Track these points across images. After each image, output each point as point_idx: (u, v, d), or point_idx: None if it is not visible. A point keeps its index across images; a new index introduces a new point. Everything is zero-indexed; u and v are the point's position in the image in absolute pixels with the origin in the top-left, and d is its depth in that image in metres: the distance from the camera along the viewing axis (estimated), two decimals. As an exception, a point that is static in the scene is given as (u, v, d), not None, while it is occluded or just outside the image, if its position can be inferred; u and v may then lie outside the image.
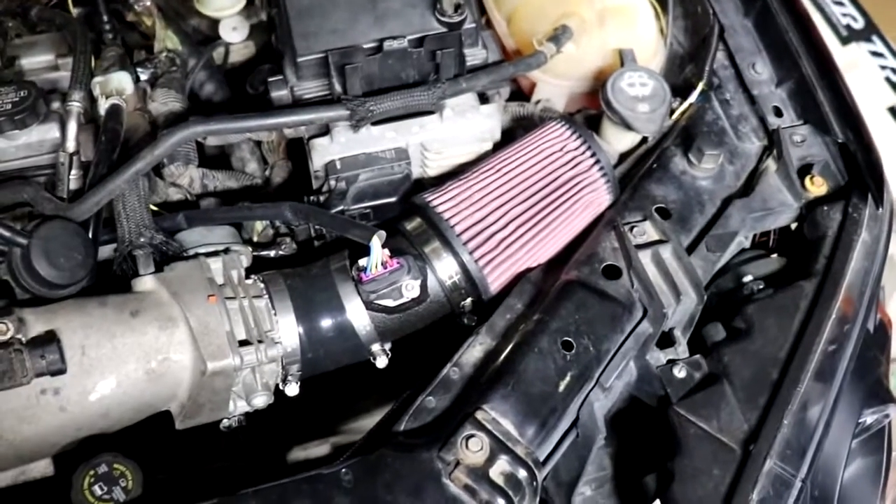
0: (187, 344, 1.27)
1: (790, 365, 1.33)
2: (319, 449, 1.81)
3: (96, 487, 1.19)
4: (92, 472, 1.20)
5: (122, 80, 1.48)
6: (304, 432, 1.77)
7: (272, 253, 1.50)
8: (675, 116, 1.54)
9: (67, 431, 1.24)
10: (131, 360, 1.25)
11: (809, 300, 1.39)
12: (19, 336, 1.19)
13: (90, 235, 1.35)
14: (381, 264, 1.32)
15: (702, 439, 1.30)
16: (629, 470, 1.43)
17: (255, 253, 1.47)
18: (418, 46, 1.47)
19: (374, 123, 1.49)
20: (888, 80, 3.35)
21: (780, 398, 1.31)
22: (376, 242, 1.30)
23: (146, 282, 1.32)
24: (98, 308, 1.28)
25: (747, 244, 1.50)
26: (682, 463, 1.29)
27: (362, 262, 1.32)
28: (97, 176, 1.37)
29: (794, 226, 1.55)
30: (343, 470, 1.19)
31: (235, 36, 1.71)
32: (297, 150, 1.61)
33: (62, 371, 1.19)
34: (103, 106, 1.45)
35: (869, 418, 1.44)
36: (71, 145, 1.40)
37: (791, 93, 1.59)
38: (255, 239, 1.53)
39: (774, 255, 1.51)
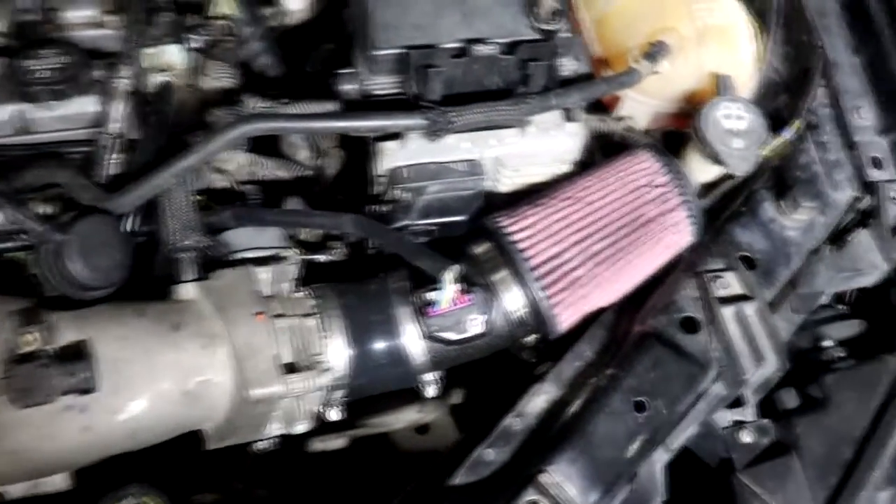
0: (229, 366, 1.15)
1: (867, 445, 1.26)
2: (337, 442, 1.73)
3: (123, 522, 1.09)
4: (118, 506, 1.10)
5: (174, 54, 1.31)
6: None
7: (322, 258, 1.37)
8: (765, 153, 1.42)
9: (90, 451, 1.13)
10: (167, 379, 1.13)
11: (893, 377, 1.31)
12: (47, 348, 1.06)
13: (128, 230, 1.22)
14: (452, 300, 1.21)
15: (765, 515, 1.24)
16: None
17: (302, 256, 1.35)
18: (509, 53, 1.32)
19: (449, 131, 1.35)
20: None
21: (853, 481, 1.24)
22: (450, 278, 1.19)
23: (189, 290, 1.19)
24: (135, 318, 1.15)
25: (826, 300, 1.41)
26: (745, 540, 1.23)
27: (431, 295, 1.21)
28: (141, 163, 1.22)
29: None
30: (393, 530, 1.10)
31: (297, 3, 1.54)
32: (352, 141, 1.46)
33: (92, 390, 1.07)
34: (152, 82, 1.29)
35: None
36: (115, 127, 1.25)
37: (896, 145, 1.49)
38: (302, 237, 1.40)
39: (855, 319, 1.42)
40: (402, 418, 1.74)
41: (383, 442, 1.77)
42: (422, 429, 1.86)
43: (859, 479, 1.23)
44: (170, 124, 1.28)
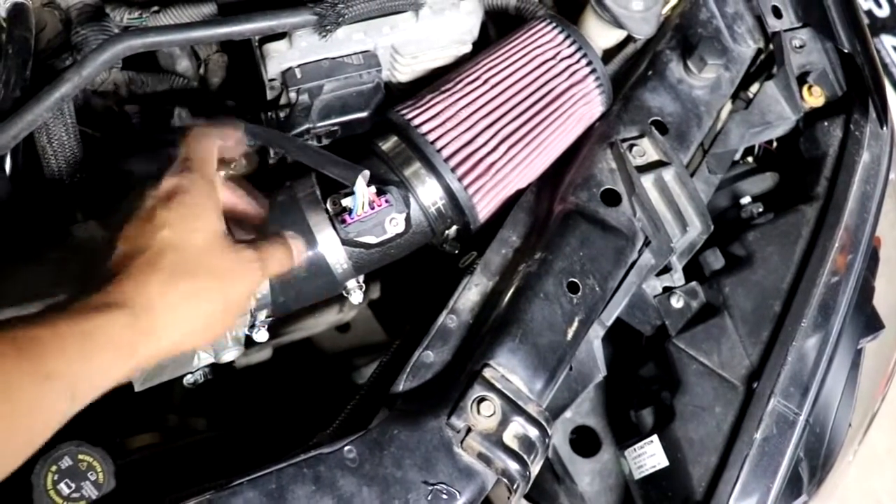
0: (145, 304, 1.08)
1: (793, 298, 1.28)
2: (261, 354, 1.68)
3: (62, 486, 1.02)
4: (55, 468, 1.02)
5: (25, -30, 1.17)
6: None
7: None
8: (665, 11, 1.39)
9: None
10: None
11: (811, 227, 1.32)
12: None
13: (6, 174, 1.11)
14: (368, 204, 1.15)
15: (703, 376, 1.25)
16: (616, 396, 1.37)
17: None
18: (390, -66, 1.23)
19: (339, 22, 1.25)
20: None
21: (784, 333, 1.26)
22: (362, 183, 1.12)
23: (90, 228, 1.11)
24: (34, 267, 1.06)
25: (737, 157, 1.41)
26: (684, 401, 1.24)
27: (346, 202, 1.14)
28: (9, 100, 1.09)
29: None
30: (346, 448, 1.06)
31: None
32: (236, 44, 1.35)
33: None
34: (3, 6, 1.15)
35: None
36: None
37: (793, -10, 1.45)
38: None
39: (767, 172, 1.42)
40: (323, 320, 1.71)
41: (307, 346, 1.74)
42: (343, 327, 1.83)
43: (789, 331, 1.25)
44: (32, 51, 1.15)
